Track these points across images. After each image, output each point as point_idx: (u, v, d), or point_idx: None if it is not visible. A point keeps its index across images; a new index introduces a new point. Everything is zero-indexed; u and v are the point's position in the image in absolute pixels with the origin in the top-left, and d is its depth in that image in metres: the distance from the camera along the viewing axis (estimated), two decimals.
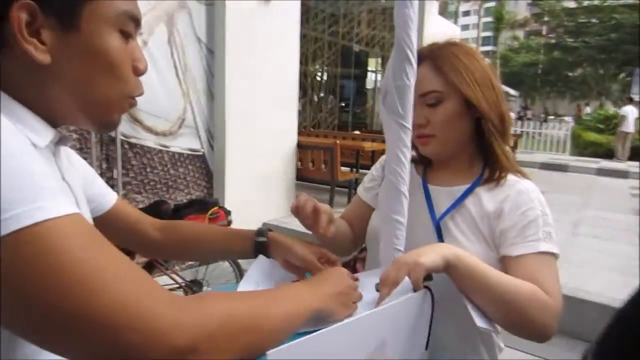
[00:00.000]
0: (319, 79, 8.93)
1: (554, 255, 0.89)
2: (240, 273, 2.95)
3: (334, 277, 0.76)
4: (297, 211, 0.89)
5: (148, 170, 3.42)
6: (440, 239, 0.94)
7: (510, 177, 0.96)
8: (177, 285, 2.80)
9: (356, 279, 0.84)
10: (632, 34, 22.19)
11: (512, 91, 26.60)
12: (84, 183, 0.78)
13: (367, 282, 0.84)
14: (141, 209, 3.27)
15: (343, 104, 10.18)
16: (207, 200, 2.96)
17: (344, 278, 0.77)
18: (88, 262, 0.43)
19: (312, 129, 7.75)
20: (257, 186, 4.22)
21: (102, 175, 3.11)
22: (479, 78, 0.93)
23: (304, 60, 7.66)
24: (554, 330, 0.83)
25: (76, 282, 0.41)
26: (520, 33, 35.87)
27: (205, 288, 2.92)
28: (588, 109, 20.35)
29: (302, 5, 4.65)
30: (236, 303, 0.53)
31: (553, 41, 30.29)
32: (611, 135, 13.05)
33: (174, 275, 2.87)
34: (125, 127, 3.20)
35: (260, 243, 0.90)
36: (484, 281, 0.80)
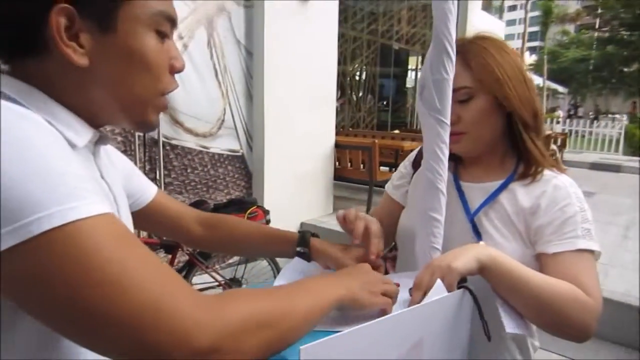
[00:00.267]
0: (357, 78, 8.88)
1: (593, 253, 0.86)
2: (278, 271, 2.97)
3: (358, 269, 0.75)
4: (344, 224, 0.89)
5: (189, 170, 3.50)
6: (477, 234, 0.92)
7: (547, 173, 0.93)
8: (217, 283, 2.85)
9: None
10: None
11: (560, 88, 25.59)
12: (124, 178, 0.80)
13: (402, 285, 0.82)
14: None
15: (383, 103, 10.09)
16: (246, 200, 3.00)
17: (369, 270, 0.76)
18: (117, 262, 0.43)
19: (350, 129, 7.72)
20: (295, 186, 4.24)
21: (145, 176, 3.20)
22: (509, 73, 0.90)
23: (343, 60, 7.64)
24: (593, 331, 0.80)
25: (104, 282, 0.42)
26: (570, 27, 34.43)
27: (244, 286, 2.95)
28: None
29: (340, 4, 4.64)
30: (258, 300, 0.53)
31: (607, 35, 28.84)
32: None
33: (214, 274, 2.92)
34: (166, 129, 3.29)
35: (302, 253, 0.91)
36: (520, 282, 0.78)
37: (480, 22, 8.14)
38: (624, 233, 4.47)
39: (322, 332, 0.68)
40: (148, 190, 0.89)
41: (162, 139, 3.24)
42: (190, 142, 3.46)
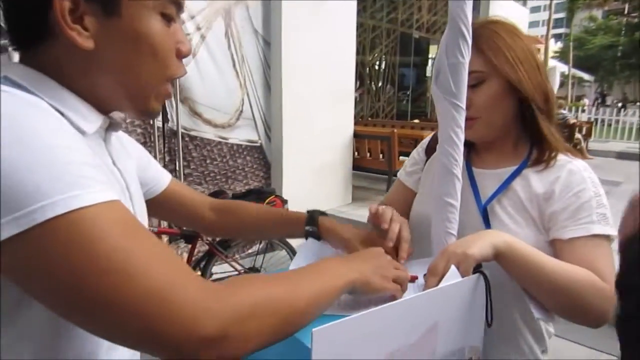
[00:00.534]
0: (376, 68, 8.80)
1: (608, 238, 0.84)
2: None
3: (369, 253, 0.74)
4: (375, 219, 0.89)
5: (208, 161, 3.53)
6: (487, 224, 0.91)
7: (561, 157, 0.92)
8: (236, 273, 2.88)
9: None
10: None
11: (586, 76, 24.90)
12: (139, 167, 0.80)
13: (416, 271, 0.83)
14: None
15: (404, 93, 9.99)
16: (264, 190, 3.02)
17: (382, 254, 0.75)
18: (122, 250, 0.43)
19: (369, 119, 7.67)
20: (314, 176, 4.24)
21: (165, 167, 3.25)
22: (521, 57, 0.89)
23: (361, 50, 7.57)
24: (610, 317, 0.79)
25: (110, 270, 0.42)
26: (597, 13, 33.37)
27: None
28: None
29: None
30: (265, 286, 0.52)
31: (636, 20, 27.87)
32: None
33: (233, 263, 2.95)
34: (185, 120, 3.32)
35: (311, 232, 0.91)
36: (536, 268, 0.77)
37: (503, 9, 7.96)
38: None
39: (332, 316, 0.69)
40: (162, 179, 0.89)
41: (181, 130, 3.28)
42: (209, 133, 3.49)
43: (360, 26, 6.68)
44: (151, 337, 0.43)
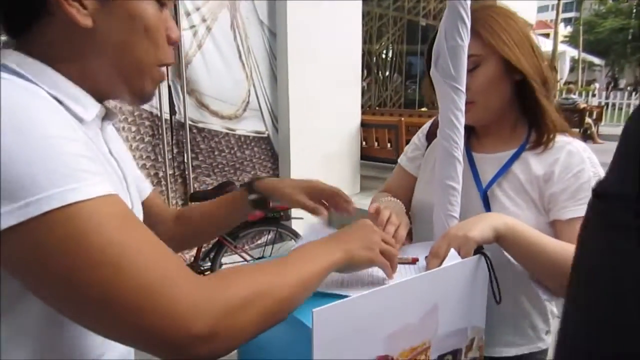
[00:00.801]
0: (383, 57, 8.74)
1: None
2: None
3: (356, 227, 0.73)
4: (375, 216, 0.90)
5: (216, 153, 3.55)
6: (488, 208, 0.92)
7: (560, 139, 0.92)
8: (245, 263, 2.91)
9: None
10: None
11: (596, 60, 24.49)
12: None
13: (418, 254, 0.84)
14: (209, 191, 3.40)
15: (411, 81, 9.92)
16: None
17: (368, 226, 0.74)
18: (117, 244, 0.43)
19: (377, 108, 7.63)
20: (322, 166, 4.25)
21: (173, 159, 3.28)
22: (517, 40, 0.90)
23: (368, 39, 7.51)
24: None
25: (103, 263, 0.42)
26: None
27: None
28: None
29: None
30: (250, 276, 0.53)
31: None
32: None
33: (243, 254, 2.98)
34: (192, 112, 3.34)
35: (256, 201, 0.88)
36: (536, 249, 0.78)
37: None
38: None
39: (327, 294, 0.70)
40: (145, 189, 0.85)
41: (188, 122, 3.30)
42: (216, 124, 3.51)
43: (366, 15, 6.62)
44: (142, 333, 0.43)
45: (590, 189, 0.86)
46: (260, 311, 0.50)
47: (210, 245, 2.89)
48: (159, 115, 3.14)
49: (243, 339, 0.49)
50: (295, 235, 3.05)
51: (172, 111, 3.19)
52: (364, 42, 4.63)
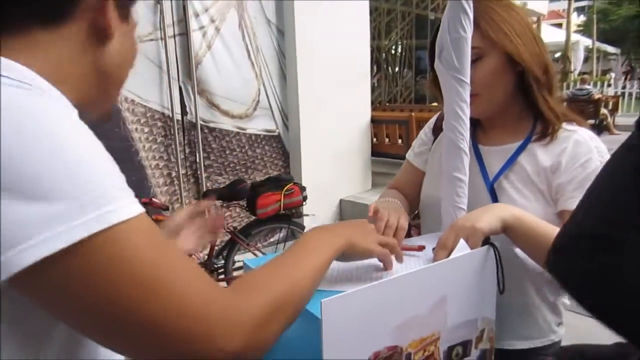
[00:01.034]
0: (393, 52, 8.70)
1: None
2: None
3: (356, 222, 0.75)
4: (374, 217, 0.90)
5: (227, 152, 3.58)
6: (495, 201, 0.92)
7: (566, 128, 0.91)
8: None
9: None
10: None
11: (610, 48, 24.05)
12: None
13: (428, 246, 0.84)
14: (220, 189, 3.42)
15: (422, 76, 9.85)
16: (282, 177, 3.05)
17: (365, 223, 0.76)
18: (155, 266, 0.43)
19: (387, 104, 7.60)
20: (333, 163, 4.25)
21: (185, 159, 3.31)
22: (518, 29, 0.89)
23: (377, 35, 7.48)
24: None
25: (145, 287, 0.41)
26: None
27: None
28: None
29: None
30: (272, 282, 0.53)
31: None
32: None
33: (255, 252, 3.01)
34: (203, 112, 3.37)
35: None
36: (544, 240, 0.77)
37: None
38: None
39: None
40: None
41: (199, 122, 3.33)
42: (227, 124, 3.54)
43: (374, 10, 6.60)
44: (181, 355, 0.43)
45: None
46: (286, 317, 0.52)
47: (223, 244, 2.92)
48: (170, 116, 3.18)
49: (272, 344, 0.50)
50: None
51: (184, 112, 3.23)
52: (373, 38, 4.62)
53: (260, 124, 3.78)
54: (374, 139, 4.89)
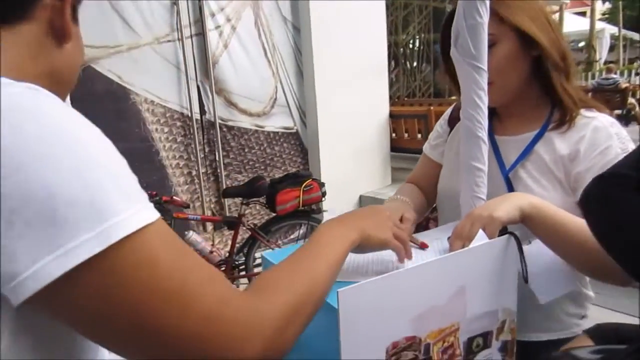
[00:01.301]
0: (411, 46, 8.62)
1: None
2: None
3: (370, 210, 0.74)
4: None
5: (246, 150, 3.61)
6: (511, 191, 0.90)
7: (585, 114, 0.89)
8: None
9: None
10: None
11: (637, 36, 23.31)
12: None
13: (440, 235, 0.83)
14: (240, 187, 3.44)
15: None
16: (301, 174, 3.06)
17: (380, 211, 0.75)
18: (178, 270, 0.42)
19: (406, 99, 7.55)
20: (352, 159, 4.24)
21: (205, 158, 3.35)
22: (532, 15, 0.88)
23: (394, 29, 7.43)
24: None
25: (171, 293, 0.41)
26: None
27: None
28: None
29: None
30: (290, 283, 0.52)
31: None
32: None
33: (276, 248, 3.02)
34: (222, 111, 3.40)
35: None
36: (562, 228, 0.75)
37: None
38: None
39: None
40: None
41: (218, 121, 3.36)
42: (245, 122, 3.56)
43: (390, 4, 6.55)
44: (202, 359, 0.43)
45: None
46: (305, 317, 0.52)
47: (243, 241, 2.95)
48: (189, 115, 3.22)
49: (291, 348, 0.50)
50: None
51: (202, 111, 3.26)
52: (390, 33, 4.58)
53: (278, 122, 3.79)
54: (393, 134, 4.85)
